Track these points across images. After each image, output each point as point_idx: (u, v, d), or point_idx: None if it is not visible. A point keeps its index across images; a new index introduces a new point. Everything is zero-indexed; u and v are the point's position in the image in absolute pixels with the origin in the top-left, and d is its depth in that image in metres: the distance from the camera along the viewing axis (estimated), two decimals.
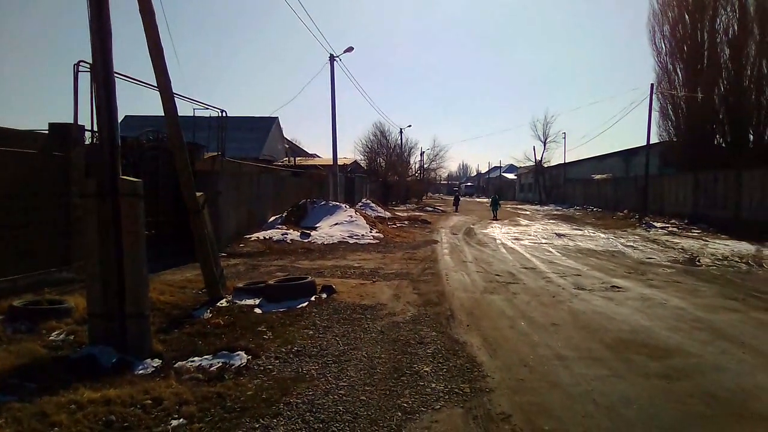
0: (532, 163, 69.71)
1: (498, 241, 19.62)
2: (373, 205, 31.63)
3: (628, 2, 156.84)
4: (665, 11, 34.04)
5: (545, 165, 68.67)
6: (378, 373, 5.41)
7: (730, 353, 6.32)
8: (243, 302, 8.11)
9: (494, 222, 30.90)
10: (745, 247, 18.65)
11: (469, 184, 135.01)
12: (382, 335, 6.78)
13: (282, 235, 17.32)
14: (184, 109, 18.46)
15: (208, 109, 16.25)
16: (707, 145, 32.08)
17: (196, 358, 5.69)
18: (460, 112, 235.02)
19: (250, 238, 16.51)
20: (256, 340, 6.34)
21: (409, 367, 5.56)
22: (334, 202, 23.12)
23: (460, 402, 4.70)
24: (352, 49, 27.36)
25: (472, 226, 26.95)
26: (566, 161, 66.90)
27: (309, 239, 17.37)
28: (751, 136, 30.99)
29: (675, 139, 34.80)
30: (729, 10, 31.05)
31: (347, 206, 22.86)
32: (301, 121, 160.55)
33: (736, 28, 30.76)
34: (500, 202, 41.54)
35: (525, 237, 21.68)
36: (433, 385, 5.06)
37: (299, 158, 43.85)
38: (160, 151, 13.86)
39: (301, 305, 8.26)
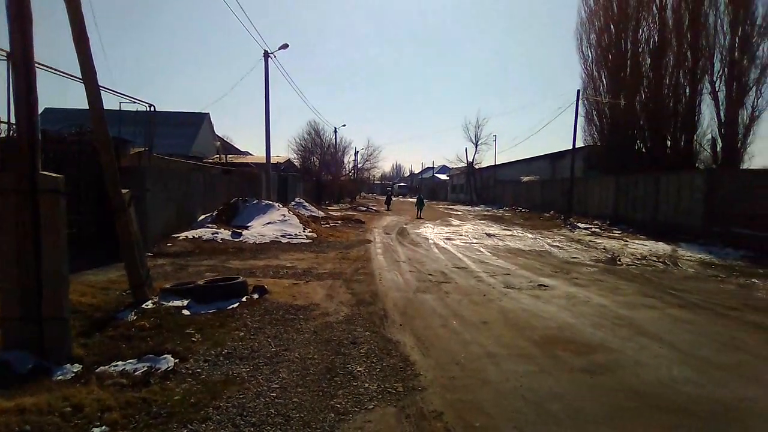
0: (464, 165, 71.08)
1: (430, 241, 19.87)
2: (307, 204, 31.36)
3: (559, 10, 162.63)
4: (592, 20, 35.60)
5: (477, 166, 70.20)
6: (311, 374, 5.36)
7: (649, 348, 6.65)
8: (170, 304, 7.83)
9: (427, 222, 31.27)
10: (662, 247, 19.69)
11: (402, 184, 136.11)
12: (315, 336, 6.73)
13: (212, 234, 16.89)
14: (110, 102, 17.70)
15: (135, 102, 15.67)
16: (629, 150, 33.75)
17: (119, 363, 5.45)
18: (394, 112, 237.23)
19: (179, 237, 16.00)
20: (184, 343, 6.14)
21: (343, 368, 5.54)
22: (266, 201, 22.76)
23: (393, 401, 4.72)
24: (287, 46, 27.03)
25: (405, 226, 27.17)
26: (497, 163, 68.66)
27: (240, 238, 17.03)
28: (669, 142, 32.80)
29: (599, 144, 36.40)
30: (650, 21, 32.84)
31: (280, 205, 22.55)
32: (235, 118, 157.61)
33: (656, 39, 32.56)
34: (427, 201, 42.73)
35: (457, 237, 22.06)
36: (367, 385, 5.07)
37: (231, 156, 42.95)
38: (84, 146, 13.25)
39: (231, 306, 8.07)
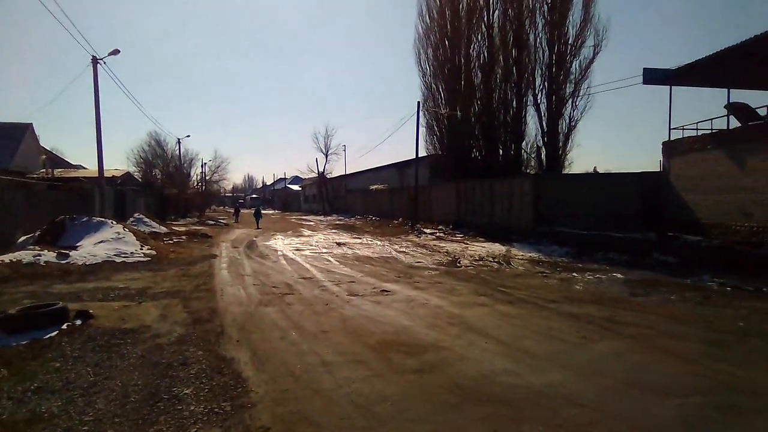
0: (316, 175, 71.33)
1: (279, 253, 19.63)
2: (148, 220, 29.54)
3: (403, 23, 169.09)
4: (428, 36, 37.41)
5: (328, 176, 70.82)
6: (132, 401, 4.99)
7: (476, 344, 7.05)
8: None
9: (278, 234, 30.87)
10: (498, 248, 21.14)
11: (254, 196, 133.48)
12: (142, 360, 6.29)
13: (34, 257, 15.27)
14: None
15: None
16: (467, 158, 35.91)
17: None
18: (243, 123, 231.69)
19: None
20: None
21: (168, 392, 5.23)
22: (98, 218, 21.05)
23: (218, 422, 4.53)
24: (118, 51, 25.36)
25: (254, 239, 26.60)
26: (347, 173, 69.74)
27: (68, 260, 15.58)
28: (501, 151, 35.38)
29: (440, 152, 38.28)
30: (480, 38, 35.20)
31: (114, 222, 20.96)
32: (65, 129, 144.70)
33: (486, 55, 34.94)
34: (280, 213, 43.31)
35: (306, 247, 22.01)
36: (192, 408, 4.82)
37: (61, 170, 39.40)
38: None
39: (49, 335, 7.32)
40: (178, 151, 55.70)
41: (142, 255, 17.25)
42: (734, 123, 20.47)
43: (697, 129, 22.30)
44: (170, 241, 23.64)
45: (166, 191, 47.77)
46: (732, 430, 4.49)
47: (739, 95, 22.74)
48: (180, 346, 6.92)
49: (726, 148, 19.34)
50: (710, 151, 20.07)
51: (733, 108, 20.50)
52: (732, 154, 18.99)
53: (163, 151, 55.06)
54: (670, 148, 22.52)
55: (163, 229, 28.94)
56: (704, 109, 67.28)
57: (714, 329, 8.03)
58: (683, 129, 22.77)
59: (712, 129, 21.70)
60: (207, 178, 68.74)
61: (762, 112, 20.35)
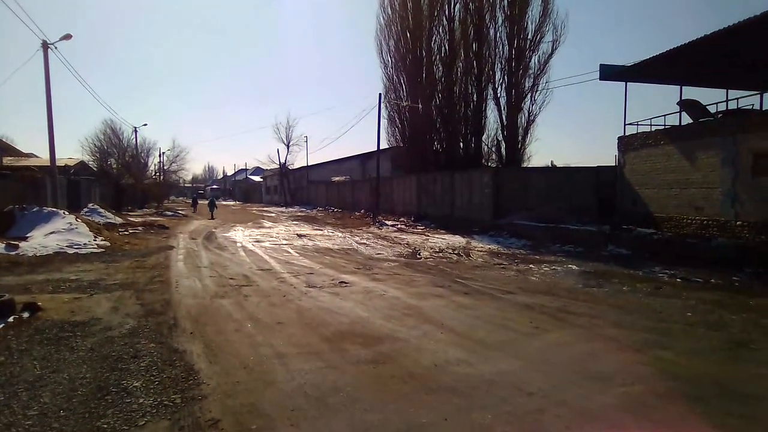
0: (277, 166, 70.61)
1: (238, 244, 19.41)
2: (102, 210, 28.81)
3: (367, 12, 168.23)
4: (390, 27, 37.27)
5: (290, 167, 70.13)
6: (78, 395, 4.88)
7: (431, 335, 7.13)
8: None
9: (237, 225, 30.49)
10: (458, 240, 21.38)
11: (215, 186, 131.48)
12: (91, 353, 6.16)
13: None
14: None
15: None
16: (428, 150, 36.11)
17: None
18: (204, 112, 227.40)
19: None
20: None
21: (117, 385, 5.14)
22: (50, 209, 20.44)
23: (168, 414, 4.48)
24: (71, 36, 24.51)
25: (213, 230, 26.21)
26: (309, 164, 69.25)
27: (17, 251, 15.11)
28: (462, 144, 35.66)
29: (402, 145, 38.35)
30: (441, 31, 35.31)
31: (66, 212, 20.38)
32: (17, 116, 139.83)
33: (447, 48, 35.09)
34: (241, 204, 43.09)
35: (266, 239, 21.82)
36: (141, 401, 4.75)
37: (10, 158, 38.09)
38: None
39: None
40: (134, 140, 54.42)
41: (96, 246, 16.84)
42: (686, 119, 21.06)
43: (651, 125, 22.87)
44: (126, 233, 23.14)
45: (123, 181, 46.56)
46: (669, 415, 4.65)
47: (692, 92, 23.48)
48: (131, 338, 6.80)
49: (678, 143, 19.90)
50: (663, 146, 20.61)
51: (685, 104, 21.07)
52: (683, 150, 19.56)
53: (120, 140, 53.55)
54: (624, 143, 23.06)
55: (119, 220, 28.31)
56: (660, 105, 69.12)
57: (662, 319, 8.30)
58: (638, 124, 23.33)
59: (665, 125, 22.28)
60: (165, 168, 67.24)
61: (712, 109, 21.04)
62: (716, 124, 19.10)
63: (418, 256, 16.58)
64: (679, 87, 21.58)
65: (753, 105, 19.68)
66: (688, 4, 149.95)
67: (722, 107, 21.35)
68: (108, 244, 17.60)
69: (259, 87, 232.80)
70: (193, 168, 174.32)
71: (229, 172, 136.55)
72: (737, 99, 21.40)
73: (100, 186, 39.48)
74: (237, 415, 4.48)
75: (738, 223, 17.03)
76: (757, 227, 16.29)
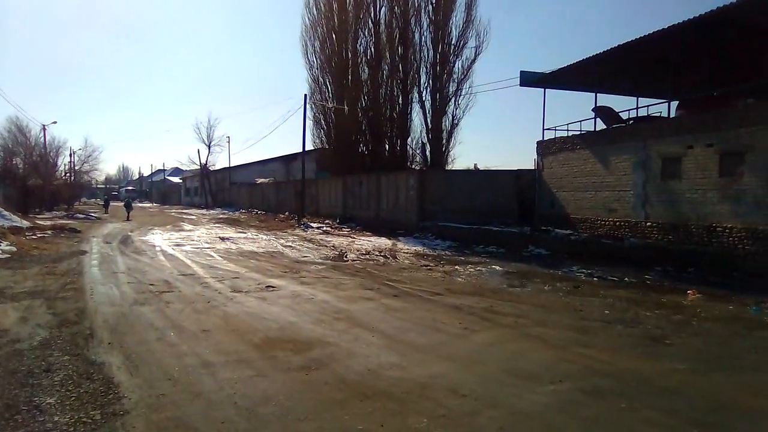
0: (198, 167, 68.54)
1: (157, 248, 18.62)
2: (7, 213, 26.91)
3: (289, 12, 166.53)
4: (315, 28, 36.94)
5: (211, 168, 68.27)
6: None
7: (362, 339, 7.07)
8: None
9: (155, 228, 29.30)
10: (384, 242, 21.46)
11: (130, 188, 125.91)
12: None
13: None
14: None
15: None
16: (354, 152, 36.07)
17: None
18: (118, 111, 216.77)
19: None
20: None
21: (28, 402, 4.74)
22: None
23: None
24: None
25: (129, 234, 25.03)
26: (231, 165, 67.63)
27: None
28: (387, 146, 35.90)
29: (327, 147, 38.14)
30: (367, 33, 35.40)
31: None
32: None
33: (373, 50, 35.22)
34: (159, 206, 41.52)
35: (187, 242, 21.09)
36: (56, 418, 4.41)
37: None
38: None
39: None
40: (43, 139, 51.33)
41: (0, 252, 15.68)
42: (601, 125, 22.09)
43: (567, 130, 23.84)
44: (33, 237, 21.71)
45: (30, 182, 43.79)
46: (597, 412, 4.80)
47: (607, 99, 24.58)
48: (43, 351, 6.33)
49: (593, 148, 20.85)
50: (579, 150, 21.54)
51: (599, 111, 22.11)
52: (598, 154, 20.52)
53: (26, 138, 50.45)
54: (543, 147, 23.92)
55: (26, 224, 26.51)
56: (580, 110, 72.32)
57: (582, 317, 8.63)
58: (555, 129, 24.26)
59: (581, 130, 23.28)
60: (76, 168, 63.88)
61: (624, 115, 22.21)
62: (629, 130, 20.16)
63: (345, 258, 16.49)
64: (594, 94, 22.60)
65: (661, 112, 20.89)
66: (606, 13, 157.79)
67: (634, 114, 22.60)
68: (14, 249, 16.42)
69: (179, 87, 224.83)
70: (107, 168, 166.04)
71: (146, 173, 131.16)
72: (647, 106, 22.75)
73: (4, 187, 36.92)
74: (163, 430, 4.23)
75: (648, 223, 18.02)
76: (665, 228, 17.28)
